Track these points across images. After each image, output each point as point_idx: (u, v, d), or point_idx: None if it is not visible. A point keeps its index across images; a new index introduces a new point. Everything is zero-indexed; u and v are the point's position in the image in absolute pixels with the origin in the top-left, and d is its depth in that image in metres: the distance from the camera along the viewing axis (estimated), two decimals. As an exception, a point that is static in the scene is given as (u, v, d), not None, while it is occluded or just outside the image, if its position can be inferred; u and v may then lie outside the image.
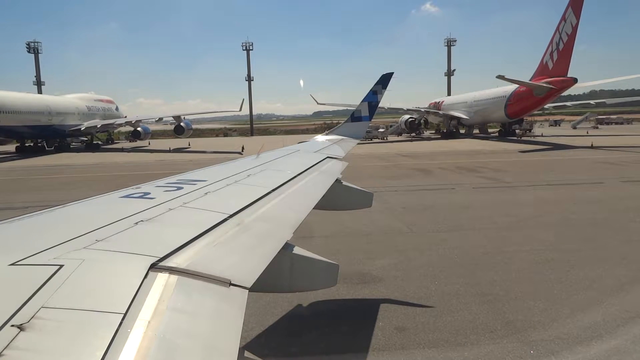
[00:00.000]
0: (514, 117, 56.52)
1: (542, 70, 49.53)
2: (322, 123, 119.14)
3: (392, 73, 10.15)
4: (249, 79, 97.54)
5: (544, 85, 46.99)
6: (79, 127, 54.27)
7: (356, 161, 30.76)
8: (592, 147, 37.90)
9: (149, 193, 3.26)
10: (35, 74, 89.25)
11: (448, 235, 11.91)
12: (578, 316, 6.95)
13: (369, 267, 9.43)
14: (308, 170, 5.19)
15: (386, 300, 7.78)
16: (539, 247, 10.68)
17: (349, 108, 46.83)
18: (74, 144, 58.64)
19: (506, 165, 28.10)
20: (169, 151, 47.38)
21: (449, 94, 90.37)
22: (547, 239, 11.31)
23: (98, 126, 55.86)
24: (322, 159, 6.37)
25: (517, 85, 51.61)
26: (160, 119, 60.08)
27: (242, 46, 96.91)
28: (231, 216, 2.82)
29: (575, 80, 47.18)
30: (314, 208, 3.83)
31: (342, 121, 11.02)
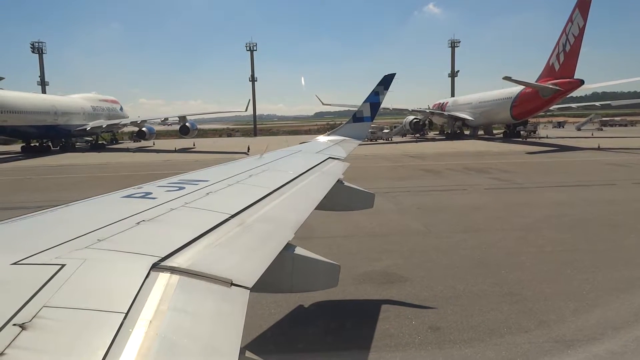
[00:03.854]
0: (519, 119, 56.28)
1: (548, 72, 49.31)
2: (325, 124, 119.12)
3: (394, 74, 10.15)
4: (253, 79, 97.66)
5: (551, 86, 46.77)
6: (84, 127, 54.57)
7: (363, 162, 30.80)
8: (599, 148, 37.65)
9: (150, 193, 3.27)
10: (39, 74, 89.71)
11: (467, 235, 11.94)
12: (610, 316, 6.96)
13: (392, 268, 9.45)
14: (310, 171, 5.19)
15: (413, 299, 7.81)
16: (561, 248, 10.69)
17: (351, 109, 46.82)
18: (78, 144, 58.95)
19: (515, 166, 28.00)
20: (175, 151, 47.52)
21: (452, 95, 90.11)
22: (568, 240, 11.32)
23: (103, 126, 56.15)
24: (324, 159, 6.37)
25: (522, 87, 51.40)
26: (166, 119, 60.30)
27: (246, 47, 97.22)
28: (233, 216, 2.82)
29: (581, 82, 46.95)
30: (315, 209, 3.82)
31: (344, 122, 11.02)
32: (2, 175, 29.73)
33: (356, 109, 10.54)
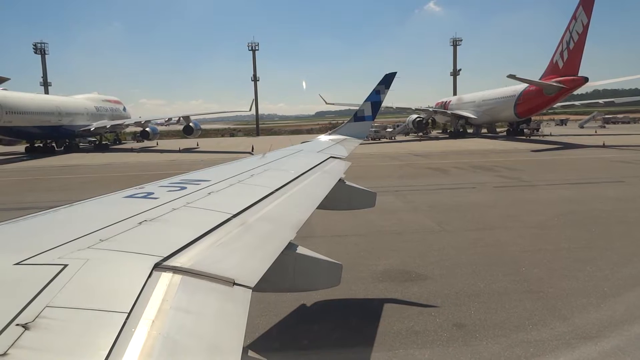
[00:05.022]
0: (523, 117, 56.13)
1: (552, 70, 49.17)
2: (328, 123, 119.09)
3: (395, 73, 10.15)
4: (255, 79, 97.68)
5: (555, 84, 46.63)
6: (88, 127, 54.78)
7: (369, 160, 30.95)
8: (604, 146, 37.57)
9: (152, 193, 3.27)
10: (42, 75, 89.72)
11: (481, 233, 11.98)
12: (635, 312, 6.99)
13: (411, 266, 9.48)
14: (311, 170, 5.18)
15: (435, 297, 7.81)
16: (576, 245, 10.71)
17: (352, 108, 46.81)
18: (82, 144, 59.16)
19: (521, 164, 28.03)
20: (179, 151, 47.67)
21: (454, 93, 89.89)
22: (582, 237, 11.33)
23: (107, 126, 56.36)
24: (325, 158, 6.35)
25: (526, 85, 51.24)
26: (170, 119, 60.45)
27: (248, 46, 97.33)
28: (234, 216, 2.82)
29: (586, 80, 46.81)
30: (317, 208, 3.82)
31: (346, 121, 11.03)
32: (10, 176, 29.83)
33: (358, 108, 10.54)
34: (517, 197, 17.43)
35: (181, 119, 55.91)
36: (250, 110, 57.04)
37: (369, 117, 10.13)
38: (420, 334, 6.47)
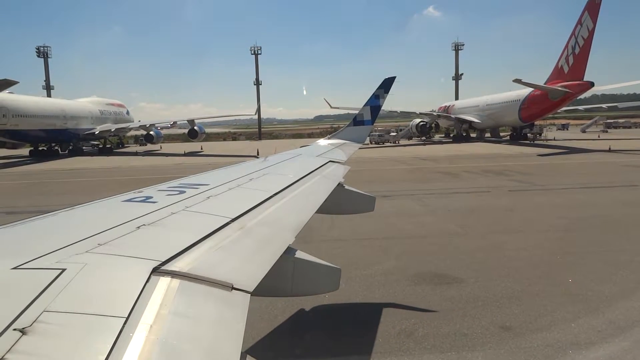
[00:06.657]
0: (527, 121, 56.07)
1: (557, 74, 49.16)
2: (329, 127, 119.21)
3: (394, 77, 10.16)
4: (257, 83, 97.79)
5: (560, 89, 46.57)
6: (92, 131, 55.01)
7: (377, 165, 31.05)
8: (609, 150, 37.42)
9: (151, 197, 3.27)
10: (44, 78, 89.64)
11: (506, 237, 11.93)
12: None
13: (443, 269, 9.44)
14: (310, 175, 5.18)
15: (475, 300, 7.76)
16: (604, 248, 10.63)
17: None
18: (85, 147, 59.39)
19: (531, 168, 27.96)
20: (184, 155, 47.83)
21: (456, 98, 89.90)
22: (610, 241, 11.25)
23: (112, 130, 56.64)
24: (324, 163, 6.36)
25: (531, 89, 51.18)
26: (175, 122, 60.70)
27: (251, 50, 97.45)
28: (233, 220, 2.82)
29: (591, 84, 46.72)
30: (316, 212, 3.82)
31: (345, 125, 11.03)
32: (18, 179, 29.87)
33: (358, 112, 10.55)
34: (534, 200, 17.36)
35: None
36: (255, 114, 57.51)
37: (368, 122, 10.13)
38: (469, 337, 6.44)
